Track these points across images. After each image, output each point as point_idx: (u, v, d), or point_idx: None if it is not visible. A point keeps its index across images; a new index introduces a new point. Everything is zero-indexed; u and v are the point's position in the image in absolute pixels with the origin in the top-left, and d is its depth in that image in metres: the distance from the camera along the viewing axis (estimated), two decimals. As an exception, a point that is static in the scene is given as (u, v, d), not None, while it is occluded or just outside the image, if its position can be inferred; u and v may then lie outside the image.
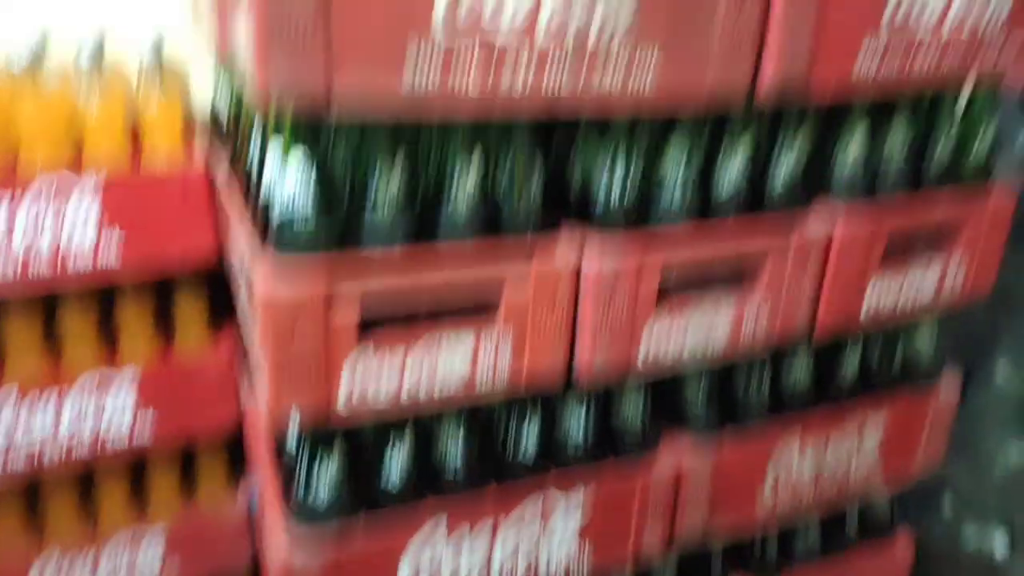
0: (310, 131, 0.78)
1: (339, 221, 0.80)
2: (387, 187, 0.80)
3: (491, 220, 0.86)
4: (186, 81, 1.35)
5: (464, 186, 0.82)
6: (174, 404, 1.20)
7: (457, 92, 0.75)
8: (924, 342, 1.28)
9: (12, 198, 1.02)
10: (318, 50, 0.70)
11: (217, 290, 1.23)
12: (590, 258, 0.89)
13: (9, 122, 1.05)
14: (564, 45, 0.77)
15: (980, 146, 1.12)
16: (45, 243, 1.05)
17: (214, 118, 1.31)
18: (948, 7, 0.95)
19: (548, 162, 0.90)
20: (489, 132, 0.83)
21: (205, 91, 1.37)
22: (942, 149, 1.08)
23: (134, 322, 1.19)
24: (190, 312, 1.23)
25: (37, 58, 1.10)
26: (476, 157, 0.82)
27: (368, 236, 0.81)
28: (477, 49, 0.74)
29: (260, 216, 0.87)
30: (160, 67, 1.15)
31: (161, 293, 1.22)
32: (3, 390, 1.10)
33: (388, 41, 0.71)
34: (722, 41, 0.83)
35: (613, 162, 0.89)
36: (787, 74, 0.87)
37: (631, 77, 0.81)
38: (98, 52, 1.11)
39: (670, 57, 0.82)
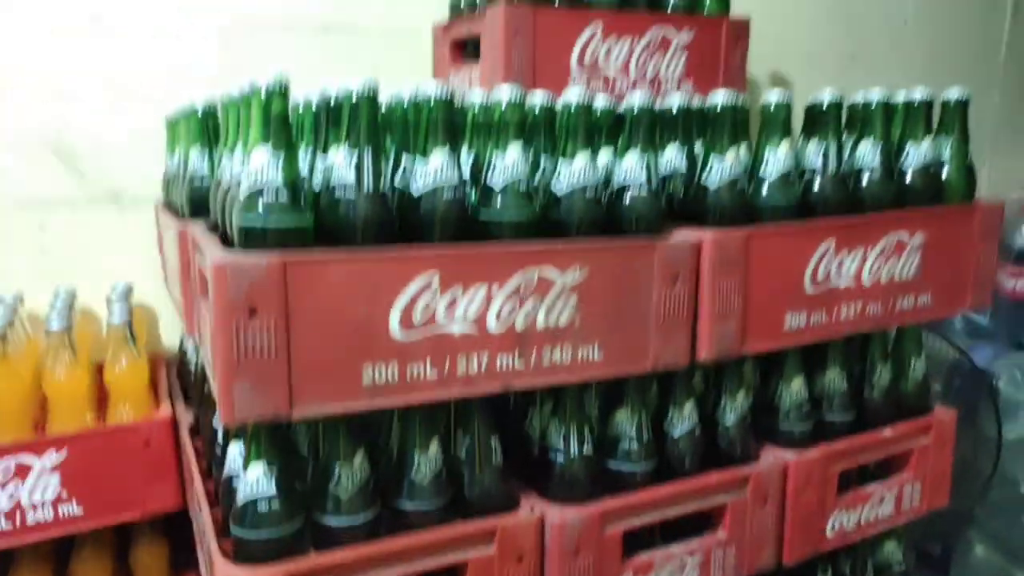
0: (270, 437, 0.80)
1: (299, 524, 0.80)
2: (348, 481, 0.81)
3: (452, 505, 0.86)
4: (154, 323, 1.40)
5: (424, 473, 0.83)
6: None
7: (414, 384, 0.79)
8: (892, 548, 1.30)
9: None
10: (279, 382, 0.73)
11: (179, 533, 1.21)
12: (551, 535, 0.88)
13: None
14: (513, 335, 0.82)
15: (914, 376, 1.18)
16: (4, 507, 1.04)
17: (183, 360, 1.35)
18: (863, 261, 1.05)
19: (505, 435, 0.92)
20: (447, 415, 0.86)
21: (174, 331, 1.42)
22: (878, 385, 1.14)
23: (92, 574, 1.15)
24: (150, 559, 1.20)
25: (7, 324, 1.13)
26: (434, 444, 0.84)
27: (326, 538, 0.80)
28: (433, 343, 0.78)
29: (222, 498, 0.87)
30: (128, 319, 1.17)
31: (121, 537, 1.19)
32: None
33: (346, 362, 0.75)
34: (658, 330, 0.90)
35: (567, 432, 0.91)
36: (721, 344, 0.94)
37: (578, 355, 0.86)
38: (67, 312, 1.16)
39: (611, 344, 0.87)
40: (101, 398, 1.18)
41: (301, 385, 0.74)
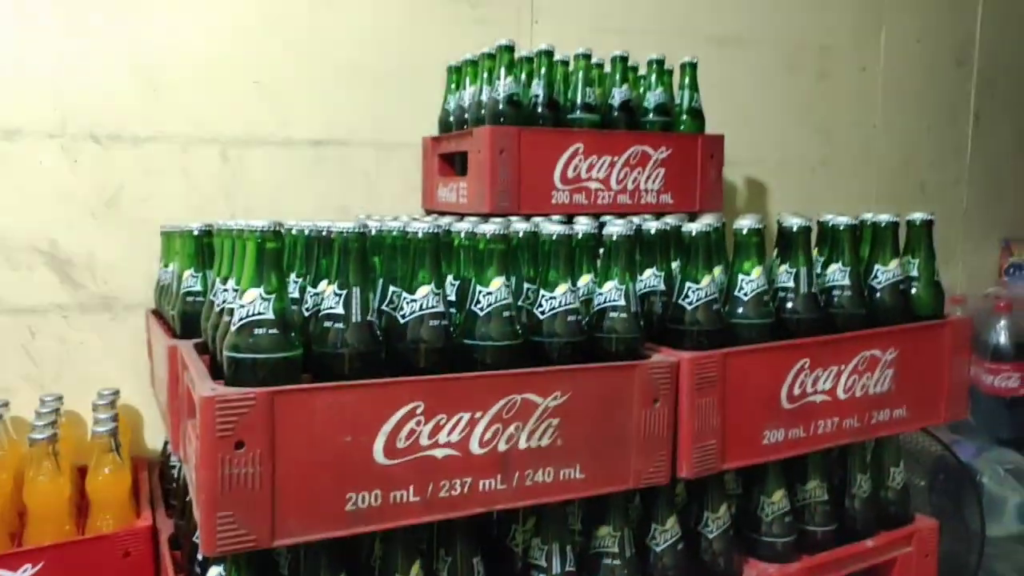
0: (252, 563, 0.80)
1: None
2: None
3: None
4: (139, 424, 1.41)
5: None
6: None
7: (397, 508, 0.79)
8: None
9: None
10: (262, 512, 0.74)
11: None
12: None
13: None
14: (496, 457, 0.83)
15: (894, 485, 1.19)
16: None
17: (166, 462, 1.34)
18: (838, 377, 1.09)
19: (486, 551, 0.92)
20: (430, 535, 0.87)
21: (157, 433, 1.43)
22: (859, 495, 1.14)
23: None
24: None
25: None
26: (416, 566, 0.84)
27: None
28: (416, 467, 0.79)
29: None
30: (114, 427, 1.17)
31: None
32: None
33: (330, 490, 0.76)
34: (639, 448, 0.91)
35: (549, 550, 0.92)
36: (701, 462, 0.95)
37: (560, 474, 0.88)
38: (52, 420, 1.16)
39: (593, 463, 0.89)
40: (82, 504, 1.17)
41: (284, 514, 0.75)
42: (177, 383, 0.96)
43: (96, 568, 1.07)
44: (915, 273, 1.18)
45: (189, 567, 1.01)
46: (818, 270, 1.12)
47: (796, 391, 1.03)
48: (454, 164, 1.51)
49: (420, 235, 0.86)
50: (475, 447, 0.83)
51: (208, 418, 0.73)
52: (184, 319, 1.05)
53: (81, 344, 1.38)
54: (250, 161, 1.51)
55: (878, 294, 1.13)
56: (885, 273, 1.14)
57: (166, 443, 1.37)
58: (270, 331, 0.77)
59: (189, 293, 1.07)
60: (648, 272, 1.07)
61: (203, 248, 1.09)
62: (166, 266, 1.27)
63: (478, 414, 0.83)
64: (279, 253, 0.81)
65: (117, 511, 1.13)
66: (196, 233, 1.10)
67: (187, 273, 1.08)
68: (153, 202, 1.42)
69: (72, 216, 1.38)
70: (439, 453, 0.81)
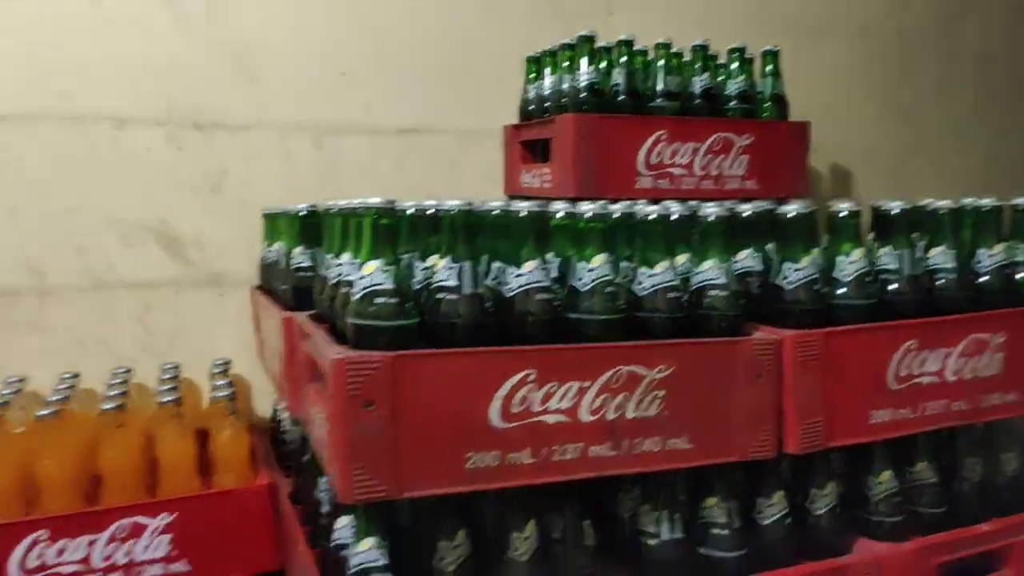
0: (380, 513, 0.84)
1: None
2: (451, 557, 0.84)
3: None
4: (247, 393, 1.50)
5: (521, 552, 0.86)
6: None
7: (512, 469, 0.83)
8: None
9: (91, 542, 1.11)
10: (390, 467, 0.79)
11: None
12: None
13: (92, 460, 1.15)
14: (605, 425, 0.86)
15: (1007, 470, 1.15)
16: (121, 563, 1.13)
17: (276, 428, 1.42)
18: (946, 360, 1.06)
19: (595, 516, 0.94)
20: (543, 498, 0.89)
21: (265, 401, 1.51)
22: (969, 479, 1.11)
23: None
24: None
25: (124, 396, 1.23)
26: (531, 525, 0.87)
27: None
28: (529, 432, 0.83)
29: (330, 565, 0.91)
30: (231, 392, 1.26)
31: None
32: None
33: (450, 449, 0.81)
34: (744, 422, 0.92)
35: (658, 516, 0.94)
36: (806, 438, 0.94)
37: (667, 443, 0.89)
38: (175, 385, 1.26)
39: (699, 434, 0.90)
40: (204, 466, 1.24)
41: (410, 468, 0.79)
42: (294, 351, 1.03)
43: (222, 520, 1.16)
44: (1021, 258, 1.15)
45: (311, 521, 1.07)
46: (919, 254, 1.11)
47: (903, 372, 1.01)
48: (534, 151, 1.55)
49: (524, 214, 0.89)
50: (584, 415, 0.86)
51: (339, 379, 0.77)
52: (296, 293, 1.12)
53: (191, 318, 1.48)
54: (342, 148, 1.58)
55: (984, 278, 1.11)
56: (991, 257, 1.11)
57: (275, 409, 1.44)
58: (391, 300, 0.82)
59: (299, 269, 1.13)
60: (743, 253, 1.08)
61: (309, 227, 1.16)
62: (270, 245, 1.34)
63: (587, 383, 0.86)
64: (395, 229, 0.86)
65: (238, 470, 1.20)
66: (303, 214, 1.17)
67: (296, 251, 1.15)
68: (254, 186, 1.50)
69: (180, 199, 1.47)
70: (550, 419, 0.84)
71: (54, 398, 1.20)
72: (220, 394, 1.23)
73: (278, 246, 1.27)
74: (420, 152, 1.64)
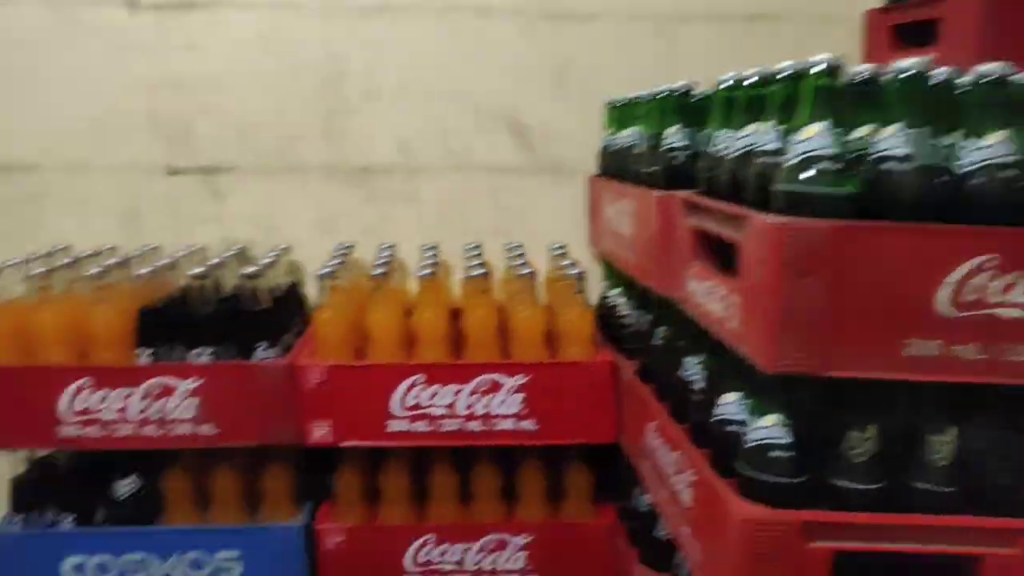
0: (782, 391, 0.81)
1: (809, 477, 0.81)
2: (862, 448, 0.79)
3: (969, 496, 0.80)
4: (584, 283, 1.57)
5: (941, 456, 0.79)
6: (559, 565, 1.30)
7: (955, 362, 0.75)
8: None
9: (457, 391, 1.25)
10: (821, 341, 0.74)
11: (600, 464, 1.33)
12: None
13: (459, 320, 1.27)
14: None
15: None
16: (479, 413, 1.25)
17: (608, 312, 1.47)
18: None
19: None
20: (968, 401, 0.81)
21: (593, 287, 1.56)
22: None
23: (531, 485, 1.33)
24: (579, 482, 1.34)
25: (479, 266, 1.34)
26: (952, 430, 0.79)
27: (835, 498, 0.80)
28: (979, 324, 0.74)
29: (713, 441, 0.92)
30: (580, 272, 1.30)
31: (552, 462, 1.34)
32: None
33: (886, 331, 0.74)
34: None
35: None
36: None
37: None
38: (525, 262, 1.34)
39: None
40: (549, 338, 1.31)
41: (841, 347, 0.74)
42: (672, 229, 1.03)
43: (569, 388, 1.22)
44: None
45: (673, 399, 1.09)
46: None
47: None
48: (902, 37, 1.37)
49: (991, 79, 0.78)
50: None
51: (776, 246, 0.74)
52: (668, 173, 1.11)
53: (531, 202, 1.56)
54: (682, 35, 1.52)
55: None
56: None
57: (604, 296, 1.48)
58: (833, 165, 0.76)
59: (673, 149, 1.12)
60: None
61: (686, 107, 1.13)
62: (616, 132, 1.35)
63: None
64: (839, 91, 0.79)
65: (582, 346, 1.25)
66: (678, 94, 1.14)
67: (670, 131, 1.13)
68: (595, 76, 1.51)
69: (528, 88, 1.53)
70: (1009, 312, 0.75)
71: (427, 261, 1.34)
72: (570, 272, 1.29)
73: (632, 131, 1.27)
74: (765, 39, 1.53)
